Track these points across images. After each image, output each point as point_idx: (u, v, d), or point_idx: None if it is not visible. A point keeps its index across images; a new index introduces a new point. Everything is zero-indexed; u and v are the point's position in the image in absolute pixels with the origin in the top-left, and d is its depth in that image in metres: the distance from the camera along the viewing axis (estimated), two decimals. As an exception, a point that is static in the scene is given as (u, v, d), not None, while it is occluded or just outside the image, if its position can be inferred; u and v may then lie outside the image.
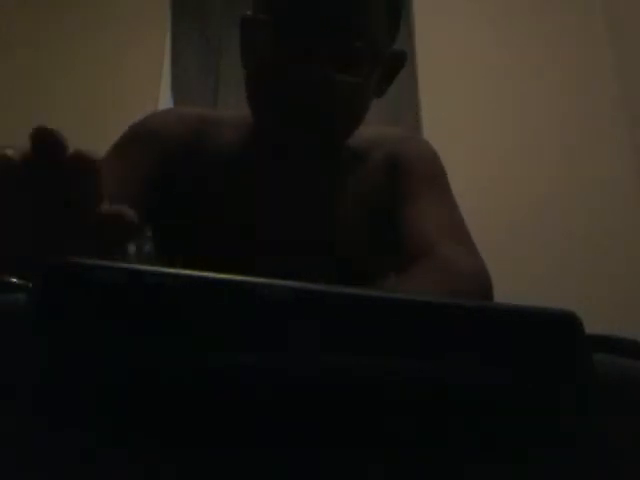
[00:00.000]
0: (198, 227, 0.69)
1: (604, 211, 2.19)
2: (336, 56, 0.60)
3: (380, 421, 0.24)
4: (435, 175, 0.71)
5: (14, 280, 0.28)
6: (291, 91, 0.60)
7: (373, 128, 0.77)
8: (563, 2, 2.51)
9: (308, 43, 0.59)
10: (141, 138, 0.70)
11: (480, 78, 2.42)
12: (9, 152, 0.34)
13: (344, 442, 0.24)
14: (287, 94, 0.61)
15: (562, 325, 0.25)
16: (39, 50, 2.56)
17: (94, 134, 2.29)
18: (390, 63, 0.69)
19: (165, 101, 2.47)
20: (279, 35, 0.61)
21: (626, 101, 2.32)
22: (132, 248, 1.50)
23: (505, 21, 2.49)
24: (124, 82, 2.48)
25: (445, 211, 0.67)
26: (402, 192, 0.69)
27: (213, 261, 0.65)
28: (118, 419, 0.24)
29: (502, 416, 0.25)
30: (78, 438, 0.24)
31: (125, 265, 0.24)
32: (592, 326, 0.28)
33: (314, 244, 0.68)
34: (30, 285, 0.27)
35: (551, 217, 2.19)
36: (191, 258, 0.69)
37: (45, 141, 0.33)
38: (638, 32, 2.27)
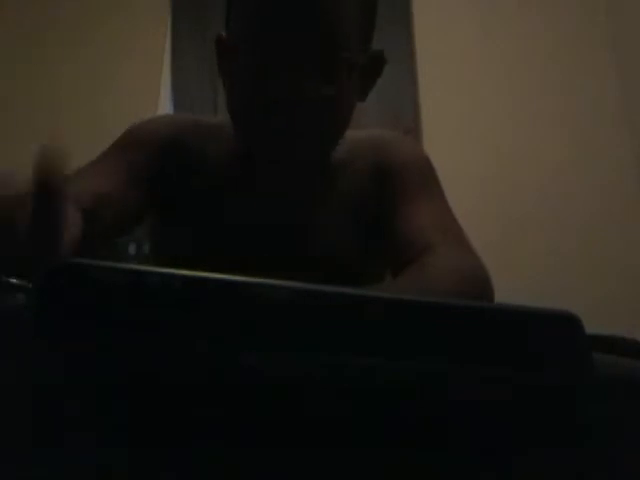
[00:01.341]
0: (189, 230, 0.69)
1: (604, 210, 2.19)
2: (313, 67, 0.59)
3: (381, 421, 0.24)
4: (426, 175, 0.71)
5: (14, 280, 0.28)
6: (270, 107, 0.60)
7: (360, 132, 0.77)
8: (564, 1, 2.51)
9: (283, 57, 0.59)
10: (135, 141, 0.70)
11: (480, 78, 2.42)
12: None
13: (345, 441, 0.24)
14: (266, 111, 0.60)
15: (562, 325, 0.25)
16: (39, 51, 2.56)
17: (94, 134, 2.29)
18: (370, 65, 0.68)
19: (165, 102, 2.47)
20: (253, 52, 0.61)
21: (626, 100, 2.32)
22: (132, 248, 1.50)
23: (506, 22, 2.49)
24: (124, 82, 2.48)
25: (439, 211, 0.67)
26: (394, 194, 0.68)
27: (206, 263, 0.65)
28: (119, 419, 0.24)
29: (503, 416, 0.25)
30: (79, 438, 0.24)
31: (125, 265, 0.24)
32: (592, 326, 0.28)
33: (303, 250, 0.68)
34: (30, 285, 0.27)
35: (551, 216, 2.19)
36: (186, 259, 0.69)
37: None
38: (638, 27, 2.27)
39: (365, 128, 0.81)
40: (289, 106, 0.59)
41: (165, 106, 2.46)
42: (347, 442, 0.24)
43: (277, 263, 0.65)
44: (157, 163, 0.69)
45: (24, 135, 2.39)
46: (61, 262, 0.24)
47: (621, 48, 2.37)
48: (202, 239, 0.69)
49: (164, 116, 0.78)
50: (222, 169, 0.71)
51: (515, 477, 0.25)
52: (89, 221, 0.58)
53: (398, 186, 0.69)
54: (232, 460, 0.24)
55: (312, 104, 0.60)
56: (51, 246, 0.34)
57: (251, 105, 0.62)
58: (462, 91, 2.39)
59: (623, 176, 2.24)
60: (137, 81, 2.48)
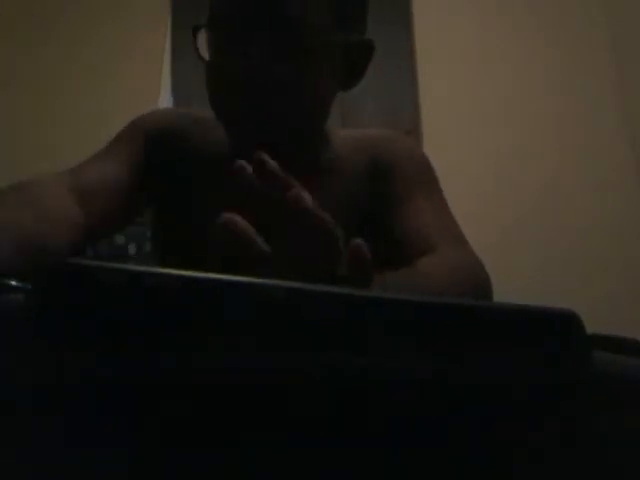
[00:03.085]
0: (188, 225, 0.70)
1: (604, 210, 2.19)
2: (274, 48, 0.60)
3: (380, 420, 0.24)
4: (425, 174, 0.71)
5: (13, 282, 0.28)
6: (233, 86, 0.61)
7: (356, 130, 0.77)
8: (565, 1, 2.51)
9: (243, 39, 0.60)
10: (136, 132, 0.72)
11: (480, 78, 2.42)
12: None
13: (345, 441, 0.24)
14: (230, 91, 0.62)
15: (562, 323, 0.25)
16: (39, 50, 2.56)
17: (94, 134, 2.29)
18: (354, 54, 0.67)
19: (165, 101, 2.47)
20: (217, 36, 0.63)
21: (626, 100, 2.32)
22: (132, 248, 1.50)
23: (506, 22, 2.49)
24: (124, 83, 2.48)
25: (438, 210, 0.67)
26: (392, 192, 0.68)
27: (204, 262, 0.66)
28: (119, 419, 0.24)
29: (502, 415, 0.25)
30: (78, 438, 0.24)
31: (125, 266, 0.24)
32: (592, 326, 0.28)
33: None
34: (29, 286, 0.27)
35: (551, 216, 2.19)
36: (188, 258, 0.70)
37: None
38: (638, 28, 2.27)
39: (364, 128, 0.80)
40: (240, 85, 0.61)
41: (165, 106, 2.46)
42: (348, 442, 0.24)
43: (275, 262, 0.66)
44: (157, 153, 0.71)
45: (24, 135, 2.39)
46: (61, 262, 0.24)
47: (621, 48, 2.37)
48: (200, 233, 0.69)
49: (166, 109, 0.80)
50: (220, 162, 0.71)
51: (515, 477, 0.25)
52: (90, 216, 0.59)
53: (397, 184, 0.69)
54: (231, 460, 0.24)
55: (263, 83, 0.61)
56: None
57: (212, 87, 0.65)
58: (462, 91, 2.39)
59: (623, 176, 2.24)
60: (137, 81, 2.48)
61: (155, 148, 0.71)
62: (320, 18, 0.62)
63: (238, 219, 0.35)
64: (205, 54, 0.67)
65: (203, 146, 0.72)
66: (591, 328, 0.27)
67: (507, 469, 0.25)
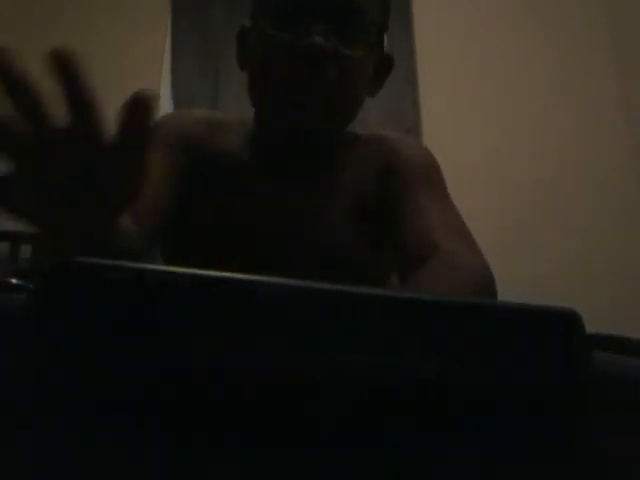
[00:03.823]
0: (200, 226, 0.70)
1: (604, 210, 2.19)
2: (336, 36, 0.62)
3: (380, 421, 0.24)
4: (433, 175, 0.72)
5: (14, 280, 0.28)
6: (296, 70, 0.61)
7: (365, 132, 0.79)
8: (565, 2, 2.51)
9: (307, 27, 0.61)
10: (164, 136, 0.71)
11: (480, 78, 2.42)
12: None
13: (345, 441, 0.24)
14: (293, 74, 0.62)
15: (562, 322, 0.25)
16: (39, 50, 2.56)
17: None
18: (381, 64, 0.71)
19: (165, 101, 2.47)
20: (279, 27, 0.63)
21: (626, 100, 2.32)
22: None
23: (506, 22, 2.49)
24: (124, 82, 2.48)
25: (446, 210, 0.67)
26: (401, 192, 0.69)
27: (214, 261, 0.66)
28: (120, 419, 0.24)
29: (502, 414, 0.25)
30: (79, 438, 0.24)
31: (128, 264, 0.24)
32: (593, 326, 0.28)
33: (309, 244, 0.69)
34: (30, 285, 0.27)
35: (551, 216, 2.19)
36: (194, 258, 0.70)
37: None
38: (638, 27, 2.27)
39: (365, 127, 0.81)
40: (305, 60, 0.61)
41: (165, 106, 2.46)
42: (348, 442, 0.24)
43: (282, 260, 0.66)
44: (183, 156, 0.70)
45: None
46: (62, 261, 0.24)
47: (621, 48, 2.37)
48: (213, 235, 0.69)
49: (181, 112, 0.79)
50: (236, 165, 0.72)
51: (514, 476, 0.25)
52: (143, 231, 0.59)
53: (404, 184, 0.69)
54: (231, 460, 0.24)
55: (330, 63, 0.61)
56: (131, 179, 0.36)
57: (274, 72, 0.64)
58: (462, 91, 2.39)
59: (623, 176, 2.24)
60: (137, 81, 2.48)
61: (183, 151, 0.71)
62: (377, 15, 0.66)
63: None
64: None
65: (221, 147, 0.73)
66: (591, 328, 0.27)
67: (507, 469, 0.25)
